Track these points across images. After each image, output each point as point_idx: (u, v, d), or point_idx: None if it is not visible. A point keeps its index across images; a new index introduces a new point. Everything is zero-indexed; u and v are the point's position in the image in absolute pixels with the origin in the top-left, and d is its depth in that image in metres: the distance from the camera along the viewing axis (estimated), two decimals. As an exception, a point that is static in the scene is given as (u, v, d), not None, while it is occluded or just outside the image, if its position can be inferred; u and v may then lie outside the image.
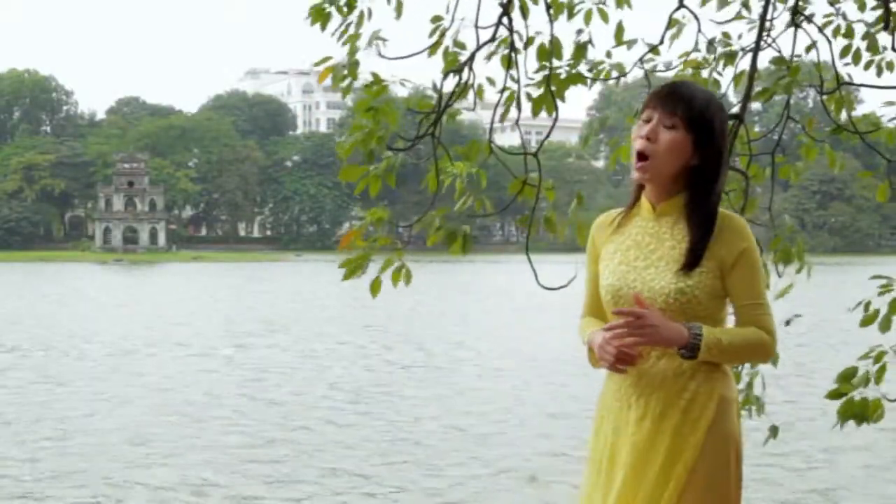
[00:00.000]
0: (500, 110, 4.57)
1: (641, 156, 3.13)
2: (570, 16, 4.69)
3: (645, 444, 3.13)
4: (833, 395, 4.31)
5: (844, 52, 4.86)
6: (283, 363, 22.74)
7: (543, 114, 4.73)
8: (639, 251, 3.19)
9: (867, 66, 4.92)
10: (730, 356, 3.11)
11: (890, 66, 4.90)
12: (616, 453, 3.19)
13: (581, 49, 4.63)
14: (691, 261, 3.11)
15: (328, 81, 4.31)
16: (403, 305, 35.83)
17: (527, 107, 4.62)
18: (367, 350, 25.29)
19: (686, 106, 3.11)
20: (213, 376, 20.54)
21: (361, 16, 4.22)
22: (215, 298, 44.41)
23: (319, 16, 4.26)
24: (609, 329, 3.09)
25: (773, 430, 4.71)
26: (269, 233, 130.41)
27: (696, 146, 3.13)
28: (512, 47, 4.54)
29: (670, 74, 4.96)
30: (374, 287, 4.22)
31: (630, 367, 3.11)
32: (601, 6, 4.69)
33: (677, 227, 3.18)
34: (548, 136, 4.59)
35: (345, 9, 4.22)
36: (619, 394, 3.20)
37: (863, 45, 4.87)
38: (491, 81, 4.51)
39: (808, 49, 4.76)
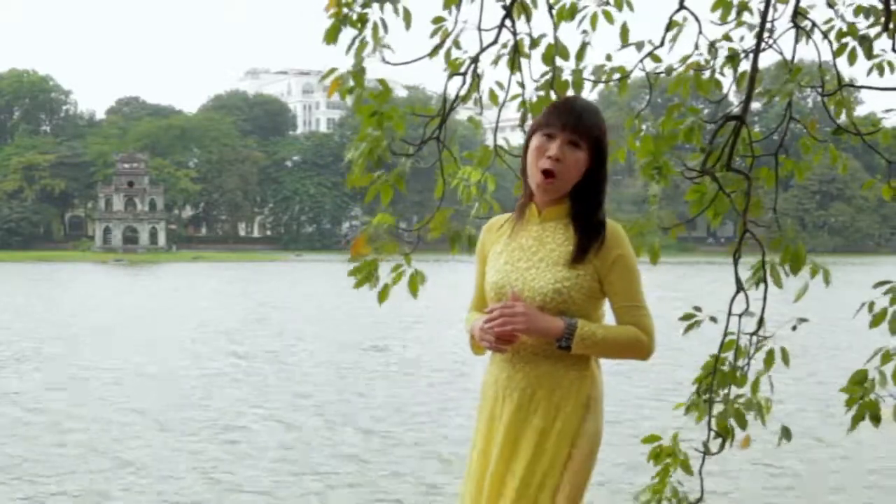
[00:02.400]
0: (504, 112, 4.59)
1: (549, 173, 3.35)
2: (571, 17, 4.71)
3: (515, 437, 3.39)
4: (850, 402, 4.36)
5: (839, 52, 4.88)
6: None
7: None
8: (522, 253, 3.44)
9: (869, 72, 4.94)
10: (603, 350, 3.35)
11: (891, 66, 4.91)
12: (491, 442, 3.45)
13: (581, 51, 4.65)
14: (575, 260, 3.35)
15: (328, 82, 4.33)
16: (411, 305, 35.76)
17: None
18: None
19: (587, 125, 3.37)
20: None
21: (376, 28, 4.23)
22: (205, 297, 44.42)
23: (335, 34, 4.28)
24: (488, 315, 3.36)
25: (786, 432, 4.72)
26: (269, 233, 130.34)
27: (591, 158, 3.38)
28: (515, 50, 4.56)
29: (672, 77, 4.97)
30: (382, 295, 4.25)
31: (509, 345, 3.37)
32: (605, 8, 4.70)
33: (560, 231, 3.42)
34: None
35: (359, 24, 4.23)
36: (497, 385, 3.47)
37: (860, 47, 4.88)
38: (500, 86, 4.54)
39: (806, 40, 4.77)
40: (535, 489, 3.33)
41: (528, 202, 3.49)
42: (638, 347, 3.37)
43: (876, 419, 4.37)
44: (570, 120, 3.35)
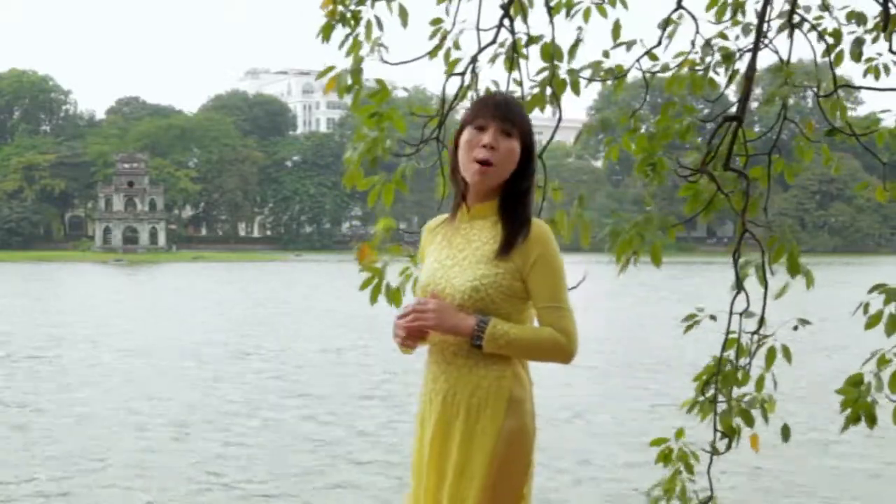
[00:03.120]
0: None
1: (485, 162, 3.36)
2: (568, 14, 4.72)
3: (442, 439, 3.40)
4: (847, 403, 4.37)
5: (830, 50, 4.89)
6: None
7: (544, 115, 4.76)
8: (450, 251, 3.46)
9: (865, 74, 4.96)
10: (518, 350, 3.32)
11: (887, 69, 4.93)
12: (424, 444, 3.47)
13: (574, 48, 4.66)
14: (497, 257, 3.35)
15: (325, 79, 4.34)
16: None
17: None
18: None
19: (518, 115, 3.40)
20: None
21: (370, 25, 4.25)
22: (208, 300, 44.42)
23: (329, 31, 4.30)
24: (401, 316, 3.39)
25: (785, 431, 4.74)
26: (269, 233, 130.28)
27: (522, 153, 3.40)
28: (514, 49, 4.57)
29: (668, 75, 4.98)
30: (374, 294, 4.27)
31: (416, 342, 3.40)
32: (600, 5, 4.72)
33: (487, 229, 3.42)
34: (552, 138, 4.63)
35: (352, 21, 4.25)
36: (426, 388, 3.49)
37: (849, 53, 4.89)
38: (497, 85, 4.56)
39: (795, 24, 4.77)
40: (464, 490, 3.32)
41: (460, 202, 3.49)
42: (556, 350, 3.31)
43: (871, 420, 4.37)
44: (500, 110, 3.38)
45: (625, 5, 4.75)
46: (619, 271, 4.39)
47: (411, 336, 3.38)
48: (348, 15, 4.28)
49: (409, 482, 3.57)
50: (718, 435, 4.61)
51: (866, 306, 4.33)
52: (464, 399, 3.36)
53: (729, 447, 4.61)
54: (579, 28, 4.69)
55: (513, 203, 3.39)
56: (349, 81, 4.27)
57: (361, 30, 4.27)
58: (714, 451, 4.62)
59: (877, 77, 4.96)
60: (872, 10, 4.89)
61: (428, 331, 3.37)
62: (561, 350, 3.31)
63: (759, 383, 4.60)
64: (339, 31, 4.32)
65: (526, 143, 3.40)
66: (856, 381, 4.40)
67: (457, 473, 3.34)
